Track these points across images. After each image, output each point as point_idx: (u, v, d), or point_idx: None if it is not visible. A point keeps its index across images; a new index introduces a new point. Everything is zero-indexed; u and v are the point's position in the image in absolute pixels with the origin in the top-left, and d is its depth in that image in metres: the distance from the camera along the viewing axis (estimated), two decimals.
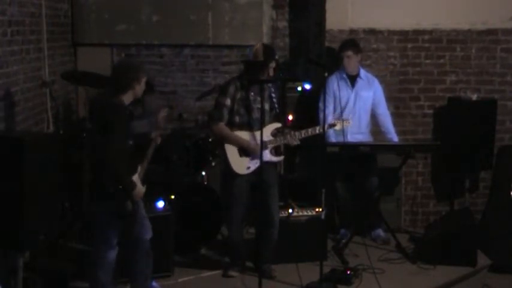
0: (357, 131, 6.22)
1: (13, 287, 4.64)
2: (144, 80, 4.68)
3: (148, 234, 4.80)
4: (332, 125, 5.61)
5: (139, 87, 4.65)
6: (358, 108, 6.30)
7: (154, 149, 4.90)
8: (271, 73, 5.36)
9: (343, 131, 5.66)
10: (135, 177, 4.66)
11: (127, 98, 4.61)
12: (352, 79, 6.32)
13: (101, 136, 4.49)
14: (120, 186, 4.49)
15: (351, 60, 6.26)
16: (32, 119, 5.91)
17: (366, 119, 6.36)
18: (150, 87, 6.13)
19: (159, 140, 4.95)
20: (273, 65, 5.35)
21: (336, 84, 6.07)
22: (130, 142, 4.58)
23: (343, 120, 5.62)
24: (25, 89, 5.72)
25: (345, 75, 6.31)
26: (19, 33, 5.60)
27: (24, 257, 4.76)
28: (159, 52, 7.34)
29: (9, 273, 4.66)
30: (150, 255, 4.83)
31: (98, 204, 4.64)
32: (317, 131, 5.47)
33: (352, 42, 6.41)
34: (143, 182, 4.74)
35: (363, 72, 6.38)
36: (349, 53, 6.25)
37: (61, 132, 6.21)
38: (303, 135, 5.45)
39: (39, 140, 4.78)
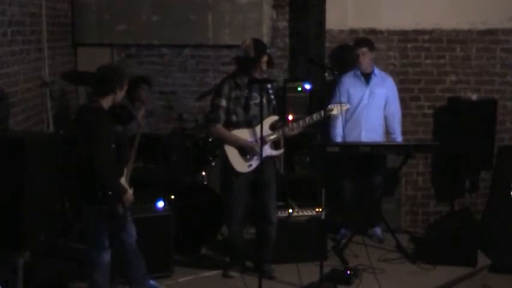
0: (370, 129, 6.24)
1: (13, 287, 4.64)
2: (126, 87, 4.62)
3: (133, 238, 4.74)
4: (329, 110, 5.58)
5: (121, 94, 4.59)
6: (372, 106, 6.30)
7: (136, 149, 4.88)
8: (264, 67, 5.36)
9: (343, 127, 5.67)
10: (123, 181, 4.62)
11: (106, 102, 4.54)
12: (367, 76, 6.33)
13: (86, 142, 4.44)
14: (110, 192, 4.45)
15: (366, 57, 6.27)
16: (32, 119, 5.91)
17: (380, 117, 6.35)
18: (148, 83, 6.14)
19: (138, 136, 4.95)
20: (265, 58, 5.34)
21: (348, 83, 6.11)
22: (113, 146, 4.51)
23: (340, 105, 5.59)
24: (25, 89, 5.73)
25: (359, 73, 6.33)
26: (19, 33, 5.60)
27: (24, 257, 4.76)
28: (159, 52, 7.34)
29: (9, 273, 4.66)
30: (138, 253, 4.80)
31: (87, 206, 4.62)
32: (314, 119, 5.44)
33: (367, 39, 6.45)
34: (130, 185, 4.71)
35: (376, 69, 6.39)
36: (364, 49, 6.26)
37: (61, 132, 6.21)
38: (301, 126, 5.44)
39: (39, 140, 4.78)
